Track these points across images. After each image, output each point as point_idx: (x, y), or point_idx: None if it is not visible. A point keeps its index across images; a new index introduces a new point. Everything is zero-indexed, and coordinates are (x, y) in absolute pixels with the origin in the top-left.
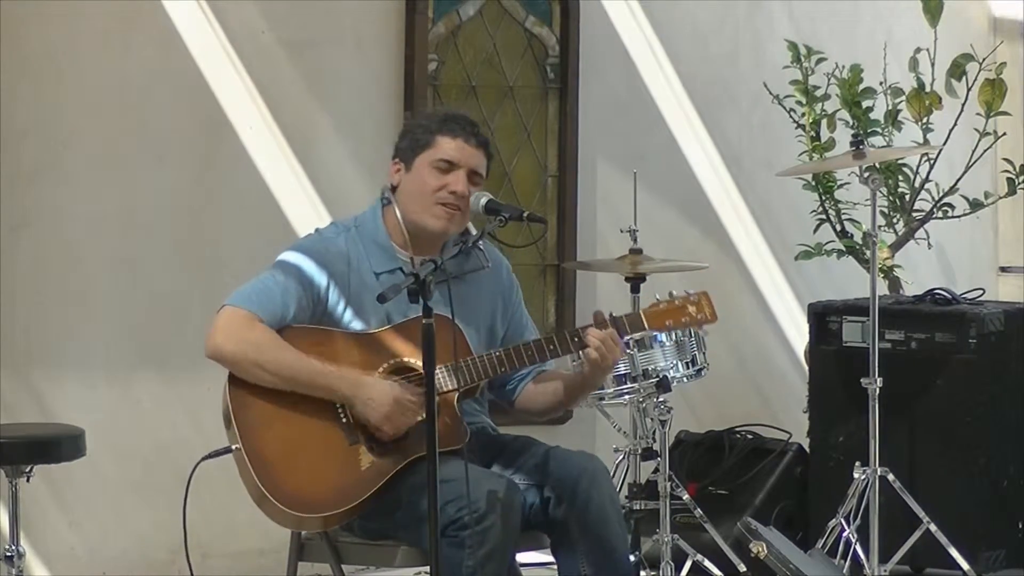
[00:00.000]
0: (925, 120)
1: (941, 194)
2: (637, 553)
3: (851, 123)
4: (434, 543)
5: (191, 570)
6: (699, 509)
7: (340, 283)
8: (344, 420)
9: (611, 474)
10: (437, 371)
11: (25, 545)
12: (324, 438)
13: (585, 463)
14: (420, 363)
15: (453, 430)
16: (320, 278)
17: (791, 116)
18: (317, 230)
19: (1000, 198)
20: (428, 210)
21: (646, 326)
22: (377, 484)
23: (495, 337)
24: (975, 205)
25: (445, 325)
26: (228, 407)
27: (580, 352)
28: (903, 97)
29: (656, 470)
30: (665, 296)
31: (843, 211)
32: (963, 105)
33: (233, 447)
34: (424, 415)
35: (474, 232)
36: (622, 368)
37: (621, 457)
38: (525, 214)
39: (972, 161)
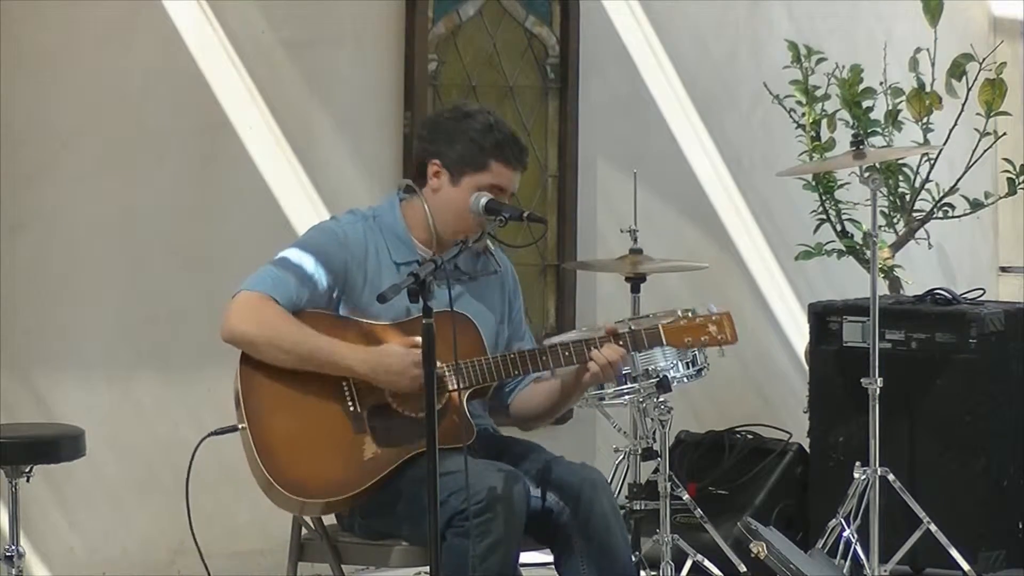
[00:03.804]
0: (925, 120)
1: (941, 194)
2: (637, 553)
3: (851, 123)
4: (433, 541)
5: (199, 549)
6: (699, 509)
7: (358, 269)
8: (352, 409)
9: (610, 474)
10: (447, 370)
11: (25, 545)
12: (330, 425)
13: (586, 473)
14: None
15: (460, 427)
16: (337, 263)
17: (791, 116)
18: (334, 217)
19: (1000, 198)
20: (465, 230)
21: (664, 341)
22: (381, 473)
23: (501, 338)
24: (975, 205)
25: (459, 322)
26: (238, 389)
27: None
28: (903, 97)
29: (656, 470)
30: (687, 309)
31: (843, 211)
32: (963, 105)
33: (240, 426)
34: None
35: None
36: (622, 368)
37: (621, 457)
38: (525, 214)
39: (972, 161)
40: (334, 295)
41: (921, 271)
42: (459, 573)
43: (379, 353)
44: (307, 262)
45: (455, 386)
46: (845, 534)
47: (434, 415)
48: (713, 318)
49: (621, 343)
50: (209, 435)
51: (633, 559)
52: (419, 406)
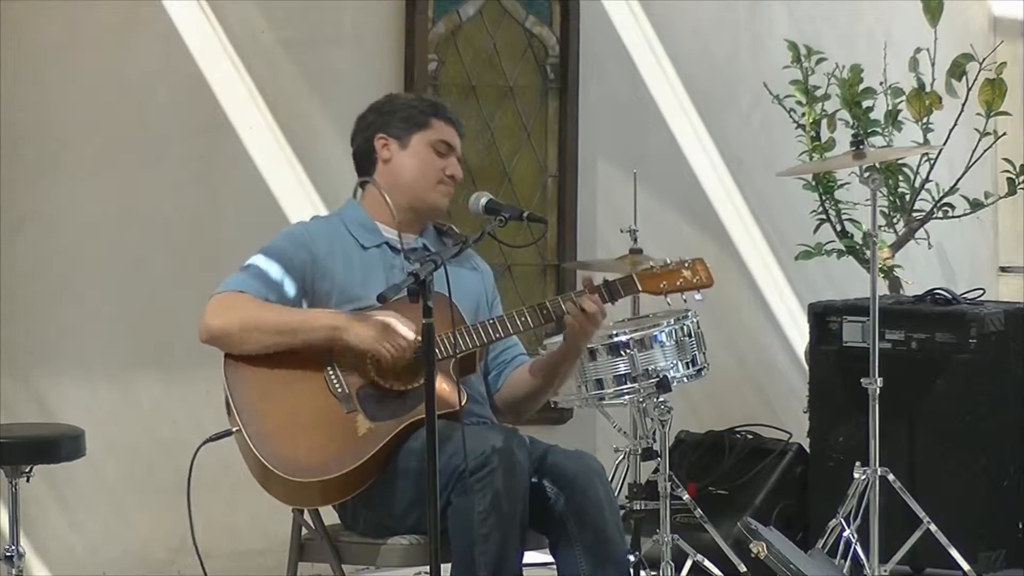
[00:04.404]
0: (925, 120)
1: (941, 194)
2: (637, 553)
3: (851, 123)
4: (434, 534)
5: (199, 556)
6: (699, 509)
7: (327, 261)
8: (340, 390)
9: (610, 474)
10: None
11: (25, 545)
12: (320, 408)
13: (583, 461)
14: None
15: (450, 392)
16: (305, 258)
17: (791, 116)
18: (299, 222)
19: (1000, 198)
20: (433, 187)
21: (639, 288)
22: (377, 446)
23: (480, 317)
24: (975, 205)
25: (438, 301)
26: (225, 389)
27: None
28: (903, 97)
29: (656, 470)
30: (660, 263)
31: (843, 211)
32: (963, 105)
33: (233, 429)
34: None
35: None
36: (622, 368)
37: (621, 457)
38: (525, 214)
39: (972, 161)
40: (306, 286)
41: (921, 271)
42: (465, 534)
43: (355, 314)
44: (276, 260)
45: (439, 356)
46: (845, 534)
47: (434, 415)
48: (686, 264)
49: (597, 294)
50: (205, 442)
51: (632, 557)
52: (406, 379)
